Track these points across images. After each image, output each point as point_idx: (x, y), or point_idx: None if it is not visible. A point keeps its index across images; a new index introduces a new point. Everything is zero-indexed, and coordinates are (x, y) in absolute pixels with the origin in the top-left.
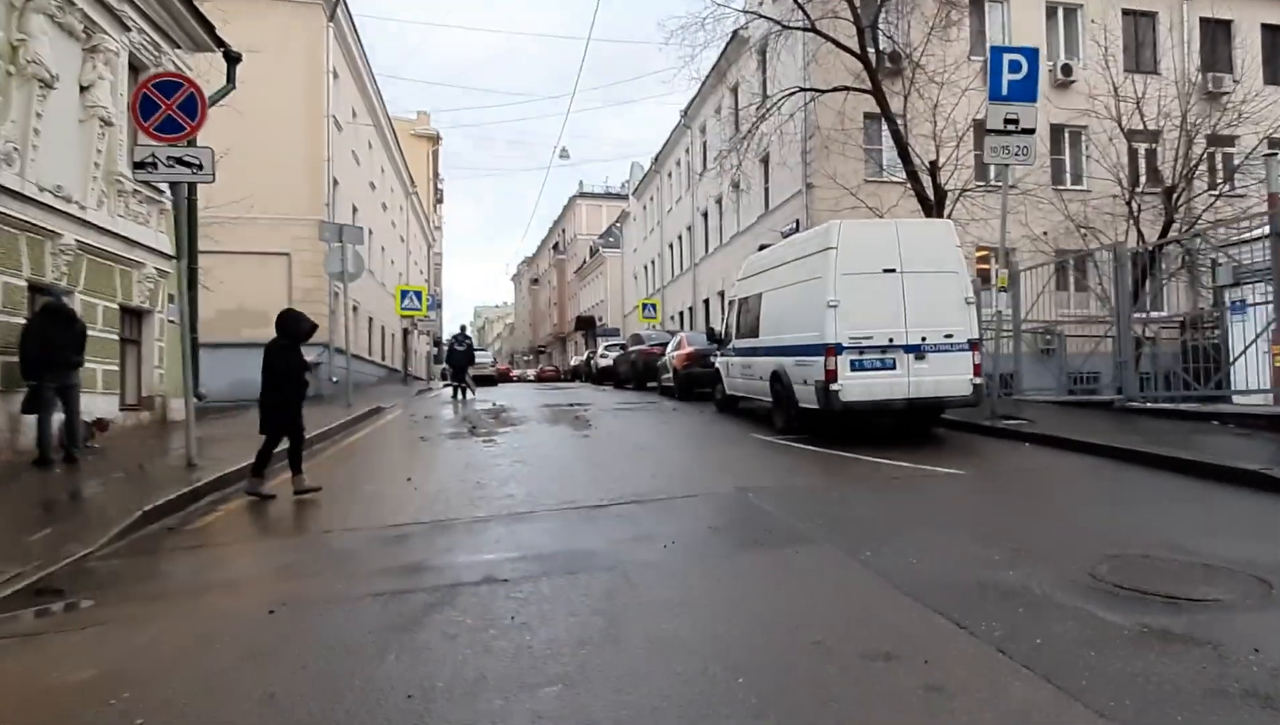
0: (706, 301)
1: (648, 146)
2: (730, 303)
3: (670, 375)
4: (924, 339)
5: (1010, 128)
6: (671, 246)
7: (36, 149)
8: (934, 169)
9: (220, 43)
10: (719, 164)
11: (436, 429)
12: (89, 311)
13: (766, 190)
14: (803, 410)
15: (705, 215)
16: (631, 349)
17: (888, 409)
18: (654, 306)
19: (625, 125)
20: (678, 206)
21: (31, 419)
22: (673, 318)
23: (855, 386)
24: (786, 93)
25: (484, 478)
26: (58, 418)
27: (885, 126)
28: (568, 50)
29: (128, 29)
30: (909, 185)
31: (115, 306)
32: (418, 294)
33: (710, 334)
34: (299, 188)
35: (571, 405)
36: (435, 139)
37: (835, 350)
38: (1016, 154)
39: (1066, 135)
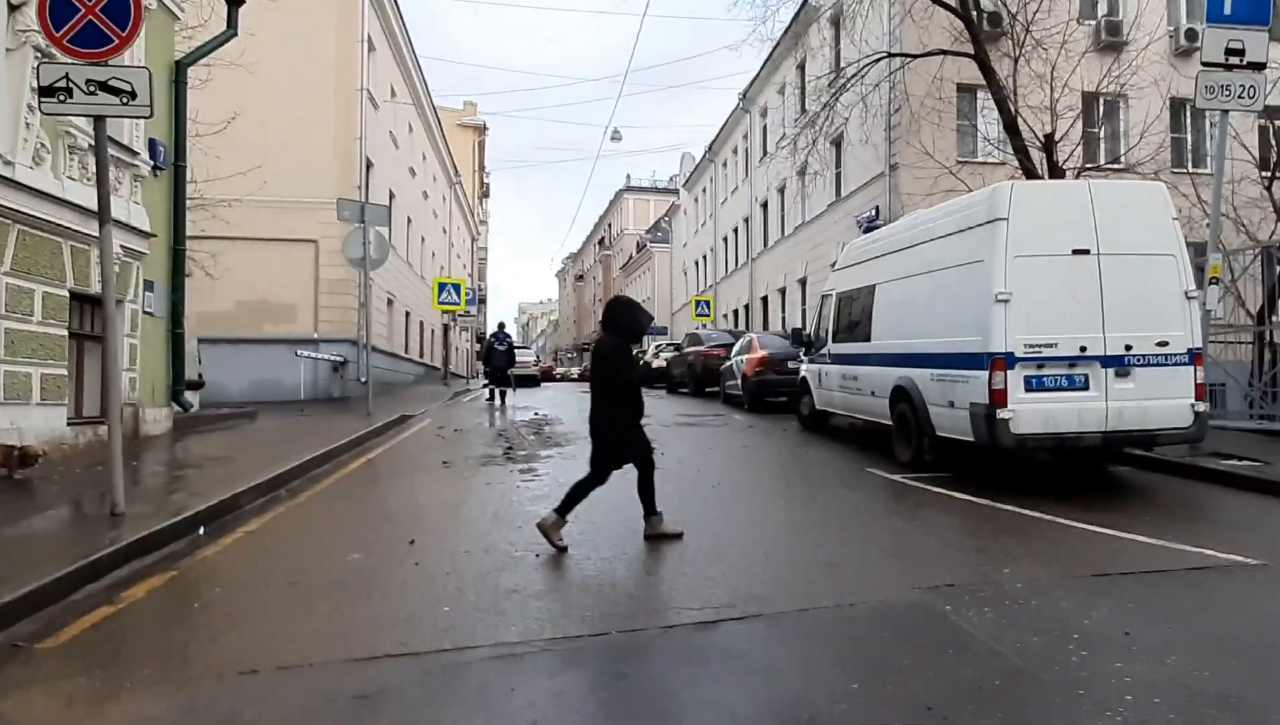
0: (765, 298)
1: (699, 140)
2: (824, 297)
3: (737, 382)
4: (1129, 348)
5: (1234, 61)
6: (726, 240)
7: None
8: (1049, 143)
9: None
10: (792, 142)
11: (465, 449)
12: (20, 299)
13: (838, 175)
14: (941, 440)
15: (765, 206)
16: (688, 350)
17: (1076, 445)
18: (707, 303)
19: (676, 113)
20: (733, 197)
21: None
22: (725, 316)
23: (1032, 414)
24: (872, 59)
25: (518, 545)
26: None
27: (988, 96)
28: (619, 34)
29: None
30: (1012, 165)
31: (63, 293)
32: (455, 287)
33: (796, 335)
34: (327, 167)
35: None
36: (482, 129)
37: (1005, 362)
38: (1241, 96)
39: (1188, 110)
